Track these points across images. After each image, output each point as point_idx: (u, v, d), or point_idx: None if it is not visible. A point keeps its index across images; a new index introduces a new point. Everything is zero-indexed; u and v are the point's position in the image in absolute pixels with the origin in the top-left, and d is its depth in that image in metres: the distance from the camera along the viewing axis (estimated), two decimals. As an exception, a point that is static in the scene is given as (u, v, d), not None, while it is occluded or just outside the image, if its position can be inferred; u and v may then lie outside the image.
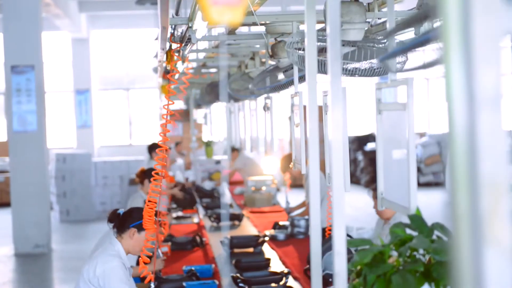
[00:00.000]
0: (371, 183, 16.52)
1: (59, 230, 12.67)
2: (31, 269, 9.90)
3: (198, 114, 14.82)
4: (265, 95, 4.89)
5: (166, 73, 7.08)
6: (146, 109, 19.39)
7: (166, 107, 4.45)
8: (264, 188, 9.60)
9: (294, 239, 7.02)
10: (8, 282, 9.24)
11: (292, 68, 3.88)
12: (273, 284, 5.05)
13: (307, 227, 7.21)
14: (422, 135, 17.39)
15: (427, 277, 1.96)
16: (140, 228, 4.26)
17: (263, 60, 5.23)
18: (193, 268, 5.47)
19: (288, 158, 7.80)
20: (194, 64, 6.83)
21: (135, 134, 19.43)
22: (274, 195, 9.51)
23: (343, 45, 2.68)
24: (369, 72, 2.70)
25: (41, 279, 9.40)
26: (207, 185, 11.41)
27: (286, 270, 5.29)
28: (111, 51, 19.23)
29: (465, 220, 1.04)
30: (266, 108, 5.02)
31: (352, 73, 2.76)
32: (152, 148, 9.91)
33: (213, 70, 7.04)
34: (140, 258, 4.39)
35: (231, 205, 9.31)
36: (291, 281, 5.26)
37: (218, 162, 12.29)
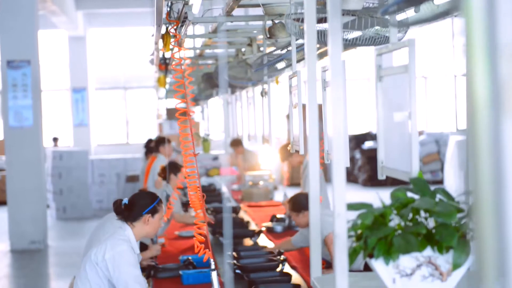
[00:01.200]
0: (369, 181, 16.47)
1: (55, 227, 12.60)
2: (27, 265, 9.83)
3: (195, 112, 14.76)
4: (263, 81, 4.83)
5: (163, 64, 7.04)
6: (143, 108, 19.33)
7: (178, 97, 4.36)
8: (261, 183, 9.55)
9: (291, 231, 6.96)
10: (4, 277, 9.18)
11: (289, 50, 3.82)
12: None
13: (304, 219, 7.16)
14: (420, 133, 17.35)
15: (429, 240, 1.91)
16: (153, 212, 4.22)
17: (261, 48, 5.18)
18: (190, 258, 5.42)
19: (286, 148, 7.74)
20: (191, 54, 6.78)
21: (132, 133, 19.36)
22: (271, 190, 9.46)
23: (343, 15, 2.63)
24: (370, 41, 2.66)
25: (37, 274, 9.33)
26: (204, 181, 11.36)
27: (282, 257, 5.25)
28: (108, 49, 19.18)
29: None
30: (263, 93, 4.97)
31: (352, 43, 2.71)
32: (159, 142, 9.80)
33: (210, 61, 6.99)
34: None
35: (228, 200, 9.26)
36: (287, 268, 5.22)
37: (215, 158, 12.23)
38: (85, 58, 18.29)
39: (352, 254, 1.95)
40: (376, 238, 1.90)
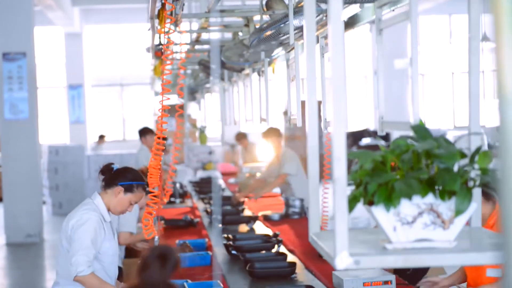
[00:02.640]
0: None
1: (51, 222, 12.53)
2: (23, 257, 9.77)
3: (192, 108, 14.69)
4: (260, 61, 4.78)
5: (159, 50, 6.97)
6: (140, 106, 19.27)
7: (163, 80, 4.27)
8: (258, 174, 9.50)
9: (289, 219, 6.92)
10: (-1, 269, 9.12)
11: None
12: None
13: (302, 207, 7.11)
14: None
15: (431, 187, 1.86)
16: (127, 190, 4.09)
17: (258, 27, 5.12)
18: (186, 241, 5.38)
19: (274, 129, 7.88)
20: (188, 39, 6.72)
21: (128, 130, 19.30)
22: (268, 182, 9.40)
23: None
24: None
25: (33, 266, 9.27)
26: (201, 174, 11.31)
27: (278, 239, 5.23)
28: (105, 46, 19.11)
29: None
30: (261, 72, 4.92)
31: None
32: (141, 133, 9.85)
33: (206, 46, 6.94)
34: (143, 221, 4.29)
35: (223, 190, 9.21)
36: (283, 249, 5.20)
37: (211, 152, 12.18)
38: (82, 55, 18.23)
39: (352, 201, 1.89)
40: (376, 184, 1.85)
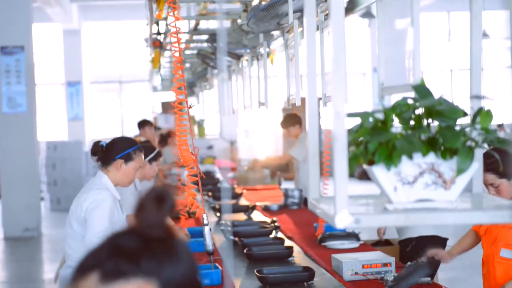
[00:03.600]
0: (365, 175, 16.36)
1: (49, 218, 12.51)
2: (21, 251, 9.74)
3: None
4: (259, 44, 4.76)
5: (157, 40, 6.95)
6: (138, 103, 19.24)
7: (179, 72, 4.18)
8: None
9: (288, 210, 6.90)
10: (-4, 261, 9.09)
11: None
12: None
13: (300, 197, 7.10)
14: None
15: (432, 145, 1.83)
16: (127, 159, 4.04)
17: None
18: (185, 229, 5.36)
19: (292, 115, 7.71)
20: (186, 27, 6.70)
21: (127, 127, 19.26)
22: (267, 175, 9.40)
23: None
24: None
25: (31, 259, 9.25)
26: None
27: (275, 225, 5.23)
28: (103, 43, 19.08)
29: None
30: (259, 56, 4.90)
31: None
32: (139, 125, 9.81)
33: (204, 37, 6.91)
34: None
35: (221, 182, 9.19)
36: (280, 235, 5.18)
37: (210, 147, 12.18)
38: (80, 51, 18.20)
39: (352, 160, 1.87)
40: (377, 142, 1.82)
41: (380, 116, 1.87)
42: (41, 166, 13.30)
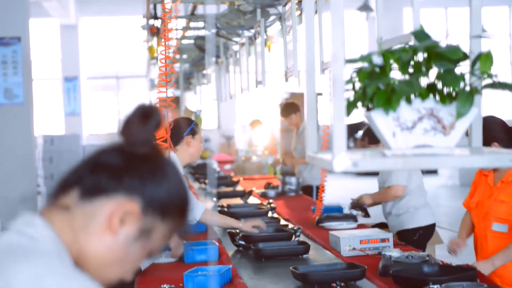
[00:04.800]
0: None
1: (46, 211, 12.45)
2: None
3: (188, 100, 14.63)
4: (257, 23, 4.73)
5: (154, 26, 6.92)
6: (135, 98, 19.21)
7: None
8: (254, 157, 9.48)
9: (284, 196, 6.88)
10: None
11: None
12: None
13: (298, 184, 7.08)
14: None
15: (432, 90, 1.81)
16: (193, 133, 4.32)
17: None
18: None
19: (291, 104, 7.65)
20: (182, 12, 6.68)
21: (124, 123, 19.23)
22: (264, 165, 9.37)
23: None
24: None
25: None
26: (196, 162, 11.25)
27: (272, 205, 5.21)
28: (100, 38, 19.05)
29: None
30: (257, 35, 4.87)
31: None
32: None
33: (201, 24, 6.88)
34: None
35: (219, 172, 9.17)
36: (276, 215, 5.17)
37: (207, 140, 12.14)
38: (77, 47, 18.17)
39: (350, 106, 1.84)
40: (375, 86, 1.80)
41: (379, 61, 1.85)
42: (37, 160, 13.25)
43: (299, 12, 4.38)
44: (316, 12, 4.00)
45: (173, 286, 3.33)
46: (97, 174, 1.29)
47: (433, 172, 16.29)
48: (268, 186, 7.26)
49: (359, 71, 1.83)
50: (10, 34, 10.62)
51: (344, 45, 1.77)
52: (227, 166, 10.83)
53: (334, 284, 3.05)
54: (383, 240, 3.91)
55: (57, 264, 1.19)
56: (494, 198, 3.77)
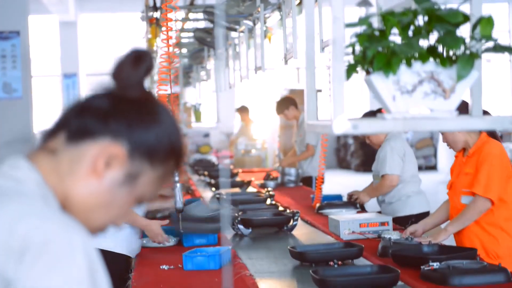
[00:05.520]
0: (362, 167, 16.36)
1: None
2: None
3: (187, 96, 14.60)
4: (256, 8, 4.72)
5: (153, 18, 6.91)
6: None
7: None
8: (253, 151, 9.47)
9: (284, 187, 6.87)
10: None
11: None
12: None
13: (297, 175, 7.06)
14: (412, 118, 17.26)
15: (432, 53, 1.80)
16: None
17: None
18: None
19: (283, 100, 7.62)
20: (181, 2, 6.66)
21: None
22: (263, 158, 9.37)
23: None
24: None
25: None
26: (196, 157, 11.25)
27: (271, 193, 5.22)
28: (100, 35, 19.05)
29: None
30: (256, 21, 4.86)
31: None
32: None
33: (200, 15, 6.86)
34: None
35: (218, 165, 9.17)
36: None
37: (206, 134, 12.11)
38: (76, 43, 18.15)
39: (350, 69, 1.83)
40: (375, 49, 1.79)
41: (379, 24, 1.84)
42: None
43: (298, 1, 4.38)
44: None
45: (172, 266, 3.32)
46: (84, 116, 1.28)
47: (433, 168, 16.30)
48: (267, 177, 7.25)
49: (359, 35, 1.81)
50: (9, 28, 10.61)
51: (343, 9, 1.76)
52: (226, 161, 10.83)
53: (331, 263, 3.04)
54: (382, 224, 3.91)
55: (38, 206, 1.17)
56: (462, 173, 3.79)
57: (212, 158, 10.96)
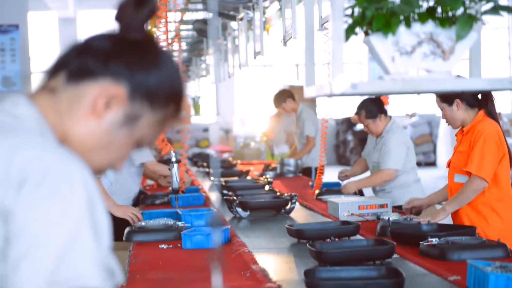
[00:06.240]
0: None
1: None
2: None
3: (187, 89, 14.59)
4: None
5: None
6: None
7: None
8: (252, 143, 9.46)
9: (283, 177, 6.86)
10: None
11: None
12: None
13: (296, 165, 7.06)
14: (412, 115, 17.28)
15: (431, 14, 1.80)
16: None
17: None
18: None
19: (280, 93, 7.60)
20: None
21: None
22: (263, 151, 9.36)
23: None
24: None
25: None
26: (195, 151, 11.26)
27: (269, 180, 5.21)
28: (99, 31, 19.02)
29: None
30: (255, 6, 4.85)
31: None
32: None
33: (199, 6, 6.85)
34: None
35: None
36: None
37: (206, 129, 12.13)
38: (76, 40, 18.12)
39: (349, 30, 1.83)
40: (374, 9, 1.78)
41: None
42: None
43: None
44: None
45: (171, 245, 3.32)
46: (84, 57, 1.27)
47: (432, 164, 16.29)
48: (266, 168, 7.25)
49: (359, -5, 1.81)
50: (8, 21, 10.60)
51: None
52: (226, 155, 10.83)
53: (328, 240, 3.03)
54: (381, 206, 3.90)
55: (37, 139, 1.17)
56: (456, 151, 3.80)
57: (211, 151, 10.97)
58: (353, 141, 17.21)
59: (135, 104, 1.27)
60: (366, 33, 1.84)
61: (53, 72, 1.29)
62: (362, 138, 16.35)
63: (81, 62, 1.26)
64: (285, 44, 3.95)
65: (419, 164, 17.09)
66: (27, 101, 1.26)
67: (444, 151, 14.27)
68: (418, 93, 1.84)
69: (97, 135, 1.25)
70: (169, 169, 4.13)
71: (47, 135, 1.21)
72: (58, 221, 1.09)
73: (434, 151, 16.61)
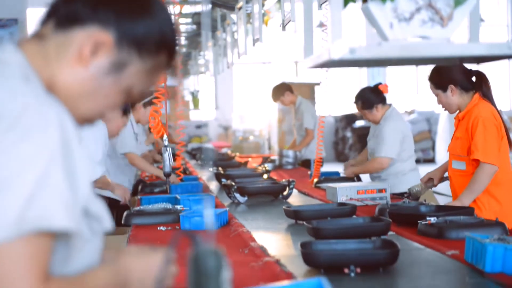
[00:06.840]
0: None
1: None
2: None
3: (186, 85, 14.60)
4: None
5: None
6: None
7: None
8: (251, 137, 9.45)
9: (282, 169, 6.86)
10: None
11: None
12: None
13: (295, 157, 7.05)
14: (411, 112, 17.29)
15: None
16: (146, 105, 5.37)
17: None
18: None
19: (279, 87, 7.61)
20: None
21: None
22: (261, 145, 9.36)
23: None
24: None
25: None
26: (194, 146, 11.25)
27: (267, 169, 5.22)
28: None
29: None
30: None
31: None
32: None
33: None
34: None
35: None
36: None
37: (199, 126, 12.10)
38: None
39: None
40: (373, -26, 1.78)
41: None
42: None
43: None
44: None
45: (169, 228, 3.31)
46: (73, 4, 1.28)
47: (431, 161, 16.30)
48: (265, 160, 7.25)
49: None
50: (7, 16, 10.60)
51: None
52: (224, 149, 10.82)
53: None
54: (380, 191, 3.90)
55: (16, 82, 1.17)
56: (453, 137, 3.81)
57: (209, 146, 10.96)
58: (352, 138, 17.21)
59: (122, 52, 1.27)
60: (365, 0, 1.84)
61: (44, 21, 1.30)
62: (361, 135, 16.35)
63: (69, 9, 1.27)
64: (284, 28, 3.95)
65: (417, 161, 17.14)
66: (13, 47, 1.26)
67: (443, 148, 14.28)
68: (416, 60, 1.84)
69: (83, 82, 1.25)
70: (161, 154, 4.22)
71: (30, 79, 1.21)
72: (28, 162, 1.09)
73: (433, 148, 16.61)
